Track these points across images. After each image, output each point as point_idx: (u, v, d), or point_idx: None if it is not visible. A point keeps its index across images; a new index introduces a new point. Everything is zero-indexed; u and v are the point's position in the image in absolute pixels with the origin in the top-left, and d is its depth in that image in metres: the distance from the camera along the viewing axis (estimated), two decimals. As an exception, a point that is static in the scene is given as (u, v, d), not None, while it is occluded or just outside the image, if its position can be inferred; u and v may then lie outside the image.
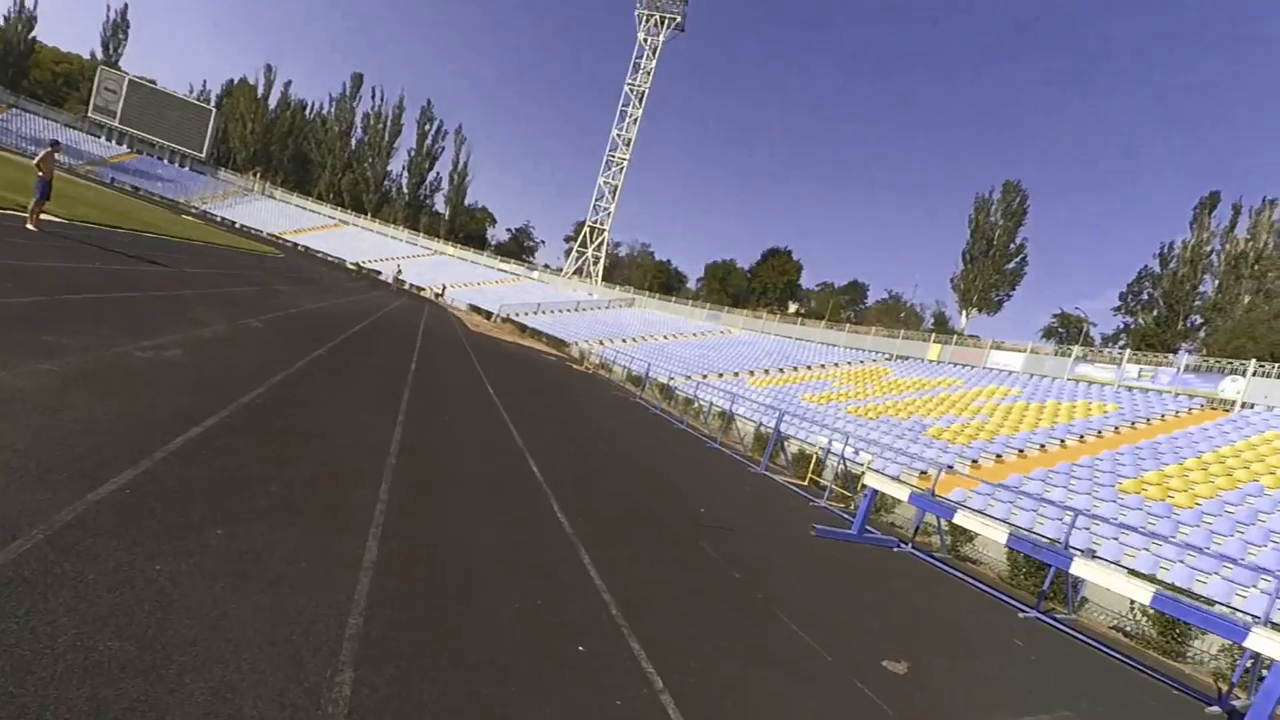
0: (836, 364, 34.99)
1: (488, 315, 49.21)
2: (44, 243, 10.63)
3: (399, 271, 49.85)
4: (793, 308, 77.21)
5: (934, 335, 36.46)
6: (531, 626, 3.28)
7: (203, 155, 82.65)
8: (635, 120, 69.85)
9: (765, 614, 4.86)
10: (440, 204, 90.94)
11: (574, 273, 71.90)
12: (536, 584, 3.83)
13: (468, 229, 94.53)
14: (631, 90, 70.21)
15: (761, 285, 79.51)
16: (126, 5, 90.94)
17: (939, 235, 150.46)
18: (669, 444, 13.64)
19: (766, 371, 33.18)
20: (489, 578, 3.70)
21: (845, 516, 10.73)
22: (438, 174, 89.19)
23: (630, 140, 70.10)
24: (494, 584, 3.63)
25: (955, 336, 37.19)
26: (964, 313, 54.66)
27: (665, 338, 44.76)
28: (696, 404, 21.34)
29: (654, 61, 69.50)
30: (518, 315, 50.36)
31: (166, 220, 31.04)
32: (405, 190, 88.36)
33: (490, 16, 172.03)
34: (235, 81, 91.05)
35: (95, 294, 7.68)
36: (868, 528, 9.61)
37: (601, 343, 40.08)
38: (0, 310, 5.49)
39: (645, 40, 69.87)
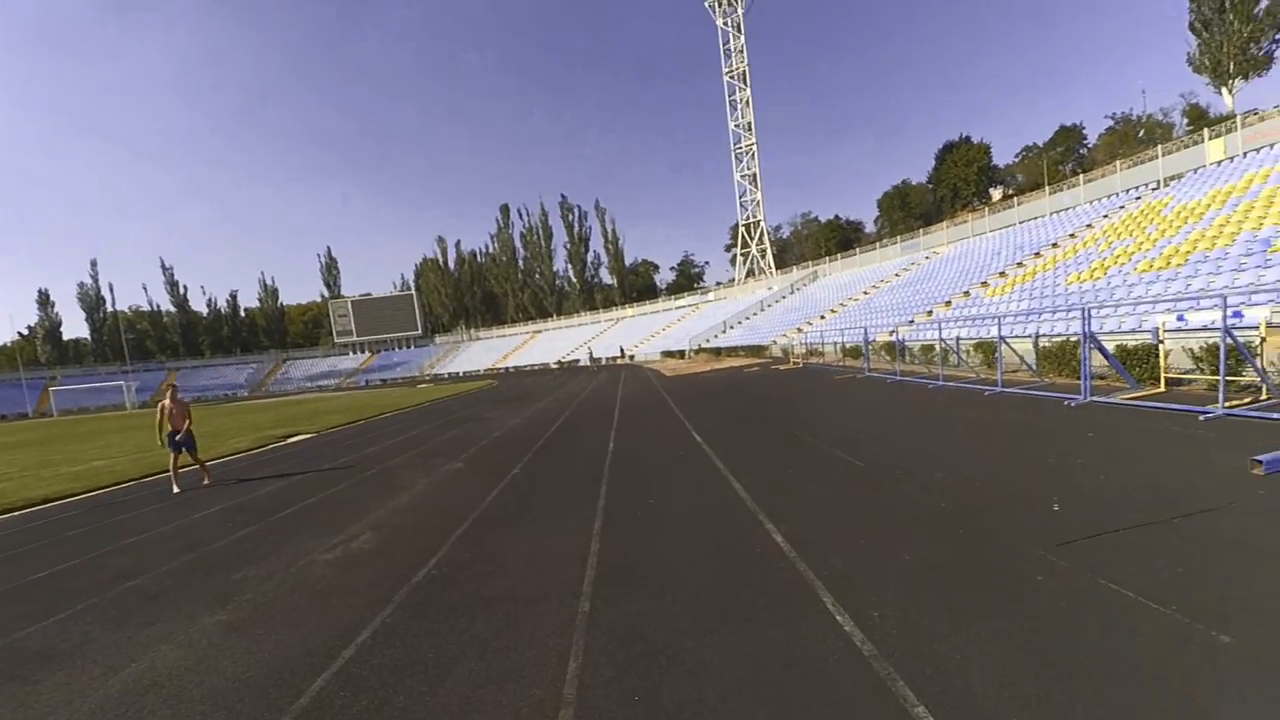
0: (1089, 225, 28.56)
1: (680, 354, 49.26)
2: (251, 480, 11.94)
3: (591, 353, 52.50)
4: (997, 194, 66.76)
5: (1204, 131, 28.08)
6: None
7: (419, 331, 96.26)
8: (748, 102, 67.70)
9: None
10: (606, 276, 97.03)
11: (746, 276, 70.11)
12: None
13: (638, 285, 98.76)
14: (733, 77, 68.35)
15: (950, 189, 69.96)
16: (329, 248, 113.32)
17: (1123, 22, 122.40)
18: (931, 415, 10.91)
19: (1003, 274, 28.06)
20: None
21: None
22: (595, 253, 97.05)
23: (750, 124, 67.83)
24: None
25: (1228, 121, 28.45)
26: (1224, 89, 42.43)
27: (865, 293, 40.70)
28: (938, 348, 17.91)
29: (742, 38, 67.17)
30: (708, 342, 49.74)
31: (400, 396, 35.63)
32: (574, 280, 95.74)
33: (569, 82, 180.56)
34: (422, 262, 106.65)
35: (303, 503, 8.13)
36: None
37: (800, 329, 37.64)
38: (195, 562, 5.84)
39: (725, 23, 67.99)
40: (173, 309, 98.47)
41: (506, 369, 71.78)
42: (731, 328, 52.13)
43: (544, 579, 4.46)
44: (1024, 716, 2.41)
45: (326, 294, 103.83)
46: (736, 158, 69.74)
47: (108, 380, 76.09)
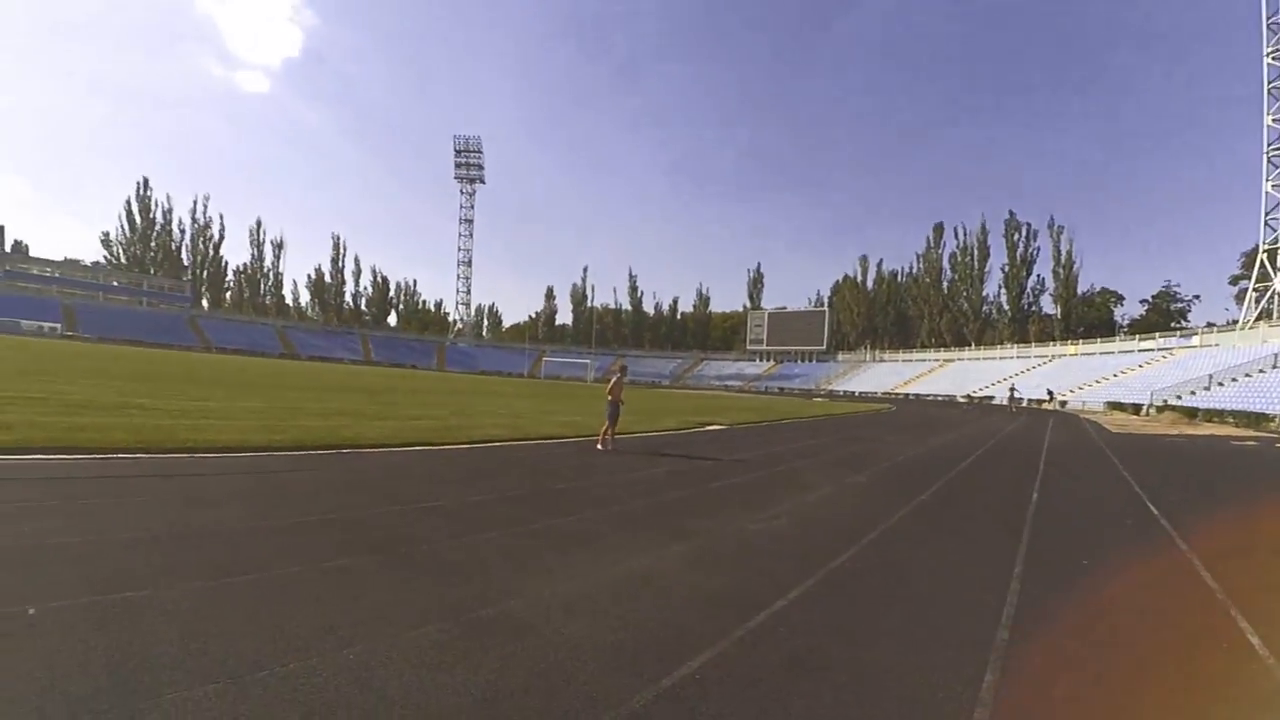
0: None
1: (1135, 409, 39.37)
2: (683, 455, 13.95)
3: (1013, 391, 46.01)
4: None
5: None
6: None
7: (823, 347, 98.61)
8: (1290, 70, 49.62)
9: None
10: (1048, 305, 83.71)
11: (1258, 318, 51.92)
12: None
13: (1088, 319, 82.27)
14: (1277, 57, 51.01)
15: None
16: (759, 264, 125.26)
17: None
18: None
19: None
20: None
21: None
22: (1039, 276, 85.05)
23: (1292, 105, 49.65)
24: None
25: None
26: None
27: None
28: None
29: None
30: (1179, 398, 38.65)
31: (797, 406, 37.38)
32: (1006, 307, 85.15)
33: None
34: (841, 280, 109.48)
35: (727, 480, 9.49)
36: None
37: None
38: (656, 505, 7.34)
39: None
40: (630, 308, 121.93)
41: (907, 395, 68.32)
42: (1220, 384, 39.56)
43: (957, 600, 4.52)
44: None
45: (749, 304, 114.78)
46: (1271, 164, 51.80)
47: (577, 358, 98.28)
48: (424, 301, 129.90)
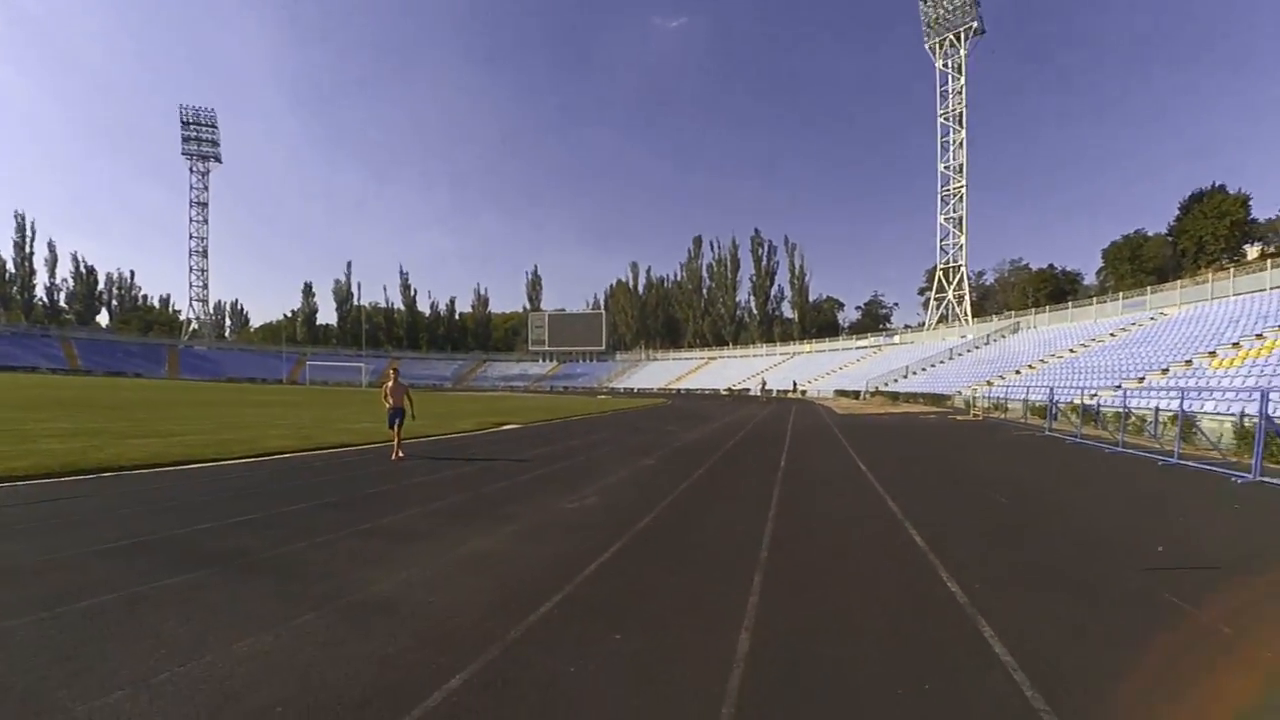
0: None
1: (855, 395, 48.18)
2: (486, 458, 14.59)
3: (764, 384, 53.17)
4: (1254, 251, 57.13)
5: None
6: None
7: (602, 347, 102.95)
8: (961, 144, 64.93)
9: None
10: (788, 310, 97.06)
11: (938, 322, 66.39)
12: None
13: (819, 322, 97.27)
14: (947, 119, 66.10)
15: (1194, 243, 61.15)
16: (536, 266, 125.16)
17: None
18: (1092, 473, 10.92)
19: (1236, 345, 24.71)
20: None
21: None
22: (779, 286, 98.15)
23: (962, 166, 64.88)
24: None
25: None
26: None
27: (1071, 351, 37.28)
28: (1135, 418, 17.02)
29: (963, 79, 64.83)
30: (886, 385, 48.11)
31: (584, 404, 39.21)
32: (755, 311, 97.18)
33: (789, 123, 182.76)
34: (615, 284, 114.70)
35: (535, 472, 10.32)
36: None
37: (989, 383, 35.48)
38: (476, 498, 7.96)
39: (946, 65, 66.12)
40: (403, 308, 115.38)
41: (679, 390, 74.58)
42: (914, 373, 50.01)
43: (733, 537, 5.94)
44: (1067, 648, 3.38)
45: (529, 306, 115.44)
46: (943, 200, 66.75)
47: (347, 361, 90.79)
48: (145, 297, 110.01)
